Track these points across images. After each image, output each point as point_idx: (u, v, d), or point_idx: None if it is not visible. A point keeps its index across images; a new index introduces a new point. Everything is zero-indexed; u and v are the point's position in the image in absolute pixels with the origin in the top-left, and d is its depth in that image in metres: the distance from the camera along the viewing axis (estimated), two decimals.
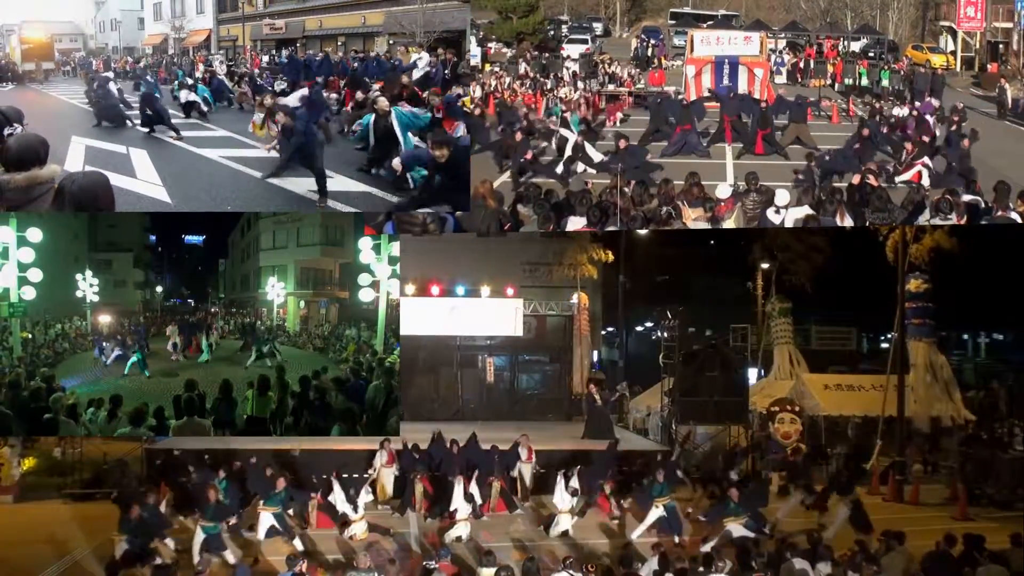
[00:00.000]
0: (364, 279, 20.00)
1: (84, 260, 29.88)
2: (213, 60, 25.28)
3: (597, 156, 17.02)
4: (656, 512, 13.41)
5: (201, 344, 22.90)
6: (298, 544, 12.31)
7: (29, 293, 19.36)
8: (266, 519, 12.63)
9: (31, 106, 20.84)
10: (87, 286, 28.31)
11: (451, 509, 13.48)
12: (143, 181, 14.53)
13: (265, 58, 25.20)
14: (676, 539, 13.13)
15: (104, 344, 21.60)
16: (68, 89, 24.56)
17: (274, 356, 21.09)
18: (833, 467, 17.09)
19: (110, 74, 21.46)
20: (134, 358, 20.48)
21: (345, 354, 21.03)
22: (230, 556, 11.90)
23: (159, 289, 34.50)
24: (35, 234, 19.20)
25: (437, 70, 20.10)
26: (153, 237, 35.22)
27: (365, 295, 20.27)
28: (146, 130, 18.01)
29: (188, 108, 19.97)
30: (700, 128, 18.85)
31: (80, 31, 29.03)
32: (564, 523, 13.56)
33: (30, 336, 22.94)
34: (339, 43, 25.35)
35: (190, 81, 20.92)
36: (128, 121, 18.75)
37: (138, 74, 24.25)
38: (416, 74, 20.14)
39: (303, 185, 14.04)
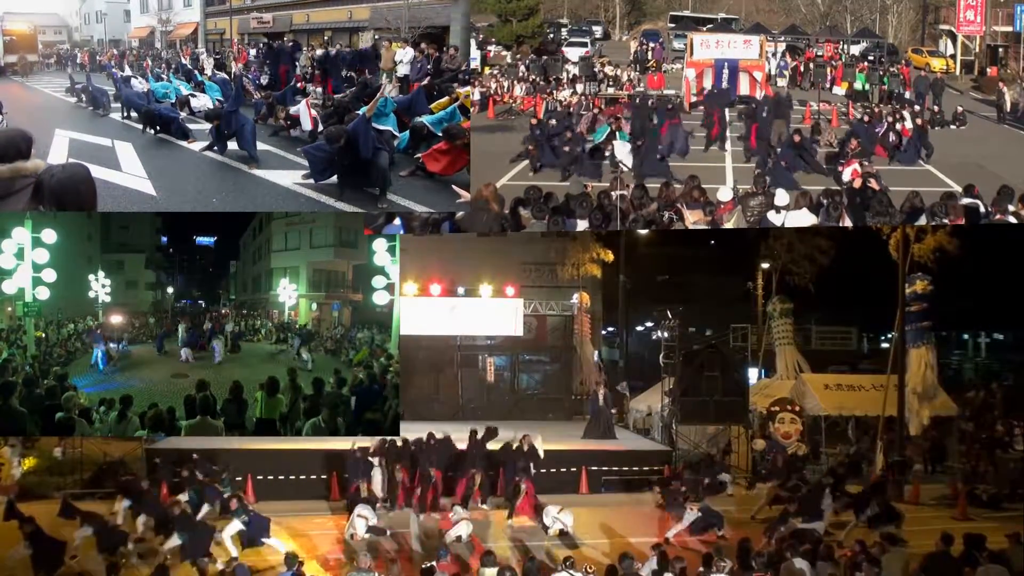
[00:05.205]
0: (379, 281, 19.73)
1: (97, 261, 30.08)
2: (200, 54, 25.12)
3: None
4: (691, 515, 13.55)
5: (214, 345, 23.01)
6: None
7: (43, 293, 19.59)
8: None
9: (14, 99, 20.66)
10: (99, 287, 28.47)
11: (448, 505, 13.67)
12: (128, 174, 14.44)
13: (252, 51, 25.15)
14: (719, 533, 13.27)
15: (98, 349, 21.34)
16: (52, 82, 24.18)
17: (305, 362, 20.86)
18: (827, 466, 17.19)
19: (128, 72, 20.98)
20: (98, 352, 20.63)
21: (358, 357, 20.73)
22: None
23: (170, 290, 34.73)
24: (49, 235, 19.39)
25: (421, 65, 20.19)
26: (165, 238, 35.38)
27: (379, 298, 19.95)
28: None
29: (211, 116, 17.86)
30: (687, 128, 18.69)
31: (64, 23, 28.53)
32: (564, 523, 13.66)
33: (43, 335, 23.20)
34: (325, 37, 25.39)
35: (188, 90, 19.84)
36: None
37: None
38: (401, 69, 20.22)
39: (288, 178, 14.04)
